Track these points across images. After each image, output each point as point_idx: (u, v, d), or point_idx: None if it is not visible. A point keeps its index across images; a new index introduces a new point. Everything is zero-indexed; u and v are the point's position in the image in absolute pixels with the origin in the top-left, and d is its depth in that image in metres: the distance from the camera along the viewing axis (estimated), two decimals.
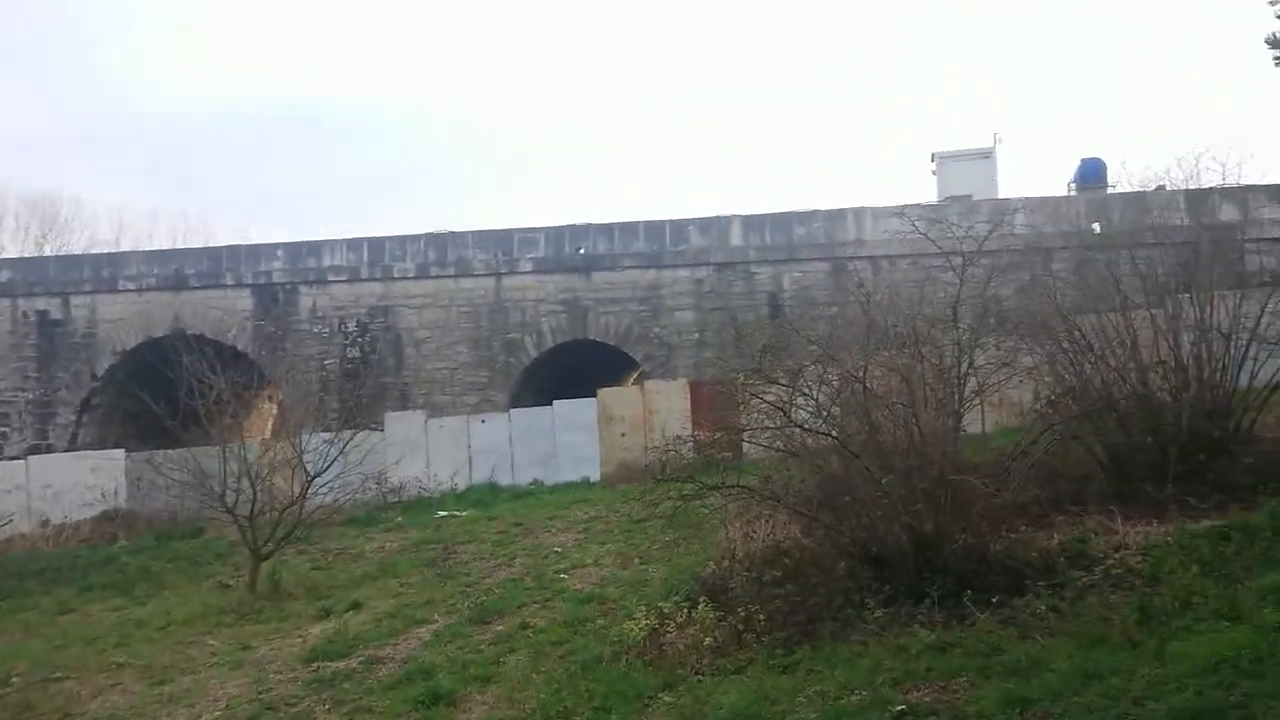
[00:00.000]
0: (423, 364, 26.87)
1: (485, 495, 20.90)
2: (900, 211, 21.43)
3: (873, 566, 8.43)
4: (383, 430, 22.45)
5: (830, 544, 8.97)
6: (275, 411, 35.22)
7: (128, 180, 77.07)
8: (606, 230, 25.91)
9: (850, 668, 6.77)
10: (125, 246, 53.55)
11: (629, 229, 25.76)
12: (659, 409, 21.36)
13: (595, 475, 21.34)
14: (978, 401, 9.52)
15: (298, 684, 9.07)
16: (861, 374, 8.65)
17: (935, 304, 11.63)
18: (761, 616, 7.94)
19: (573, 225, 26.34)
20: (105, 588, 16.18)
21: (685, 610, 8.86)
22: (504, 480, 21.79)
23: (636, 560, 13.17)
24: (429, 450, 22.25)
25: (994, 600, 7.51)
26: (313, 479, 14.27)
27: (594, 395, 23.34)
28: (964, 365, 8.88)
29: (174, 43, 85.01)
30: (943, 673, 6.43)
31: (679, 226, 25.40)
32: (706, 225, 25.35)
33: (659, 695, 7.21)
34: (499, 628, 10.31)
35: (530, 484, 21.45)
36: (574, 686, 7.74)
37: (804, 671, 7.03)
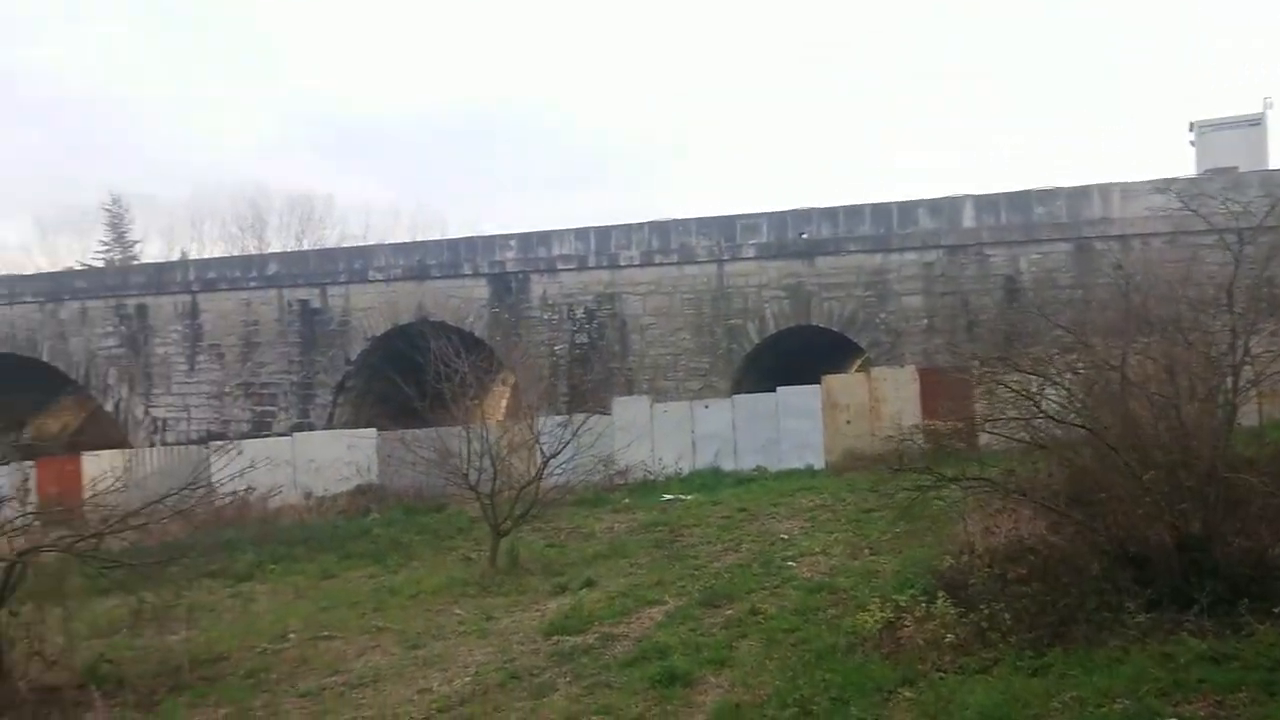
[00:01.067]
0: (647, 350, 27.39)
1: (709, 480, 21.10)
2: (1159, 187, 19.89)
3: (1131, 568, 7.88)
4: (610, 414, 23.08)
5: (1082, 542, 8.45)
6: (508, 394, 37.02)
7: (371, 178, 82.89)
8: (830, 214, 25.45)
9: (1109, 674, 6.36)
10: (371, 240, 57.73)
11: (854, 212, 25.19)
12: (886, 396, 20.84)
13: (819, 463, 21.10)
14: (1254, 393, 8.69)
15: (539, 655, 9.47)
16: (1119, 362, 8.08)
17: (1200, 286, 10.72)
18: (1007, 615, 7.58)
19: (795, 210, 26.04)
20: (361, 556, 17.46)
21: (923, 605, 8.60)
22: (727, 466, 21.91)
23: (866, 550, 12.93)
24: (654, 435, 22.68)
25: (1276, 610, 6.85)
26: (549, 459, 14.83)
27: (817, 382, 23.07)
28: (1239, 353, 8.11)
29: (404, 50, 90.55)
30: (1218, 686, 5.93)
31: (907, 209, 24.60)
32: (936, 207, 24.42)
33: (899, 690, 7.03)
34: (729, 612, 10.37)
35: (753, 470, 21.46)
36: (809, 675, 7.67)
37: (1056, 675, 6.66)
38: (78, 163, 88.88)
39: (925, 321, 24.14)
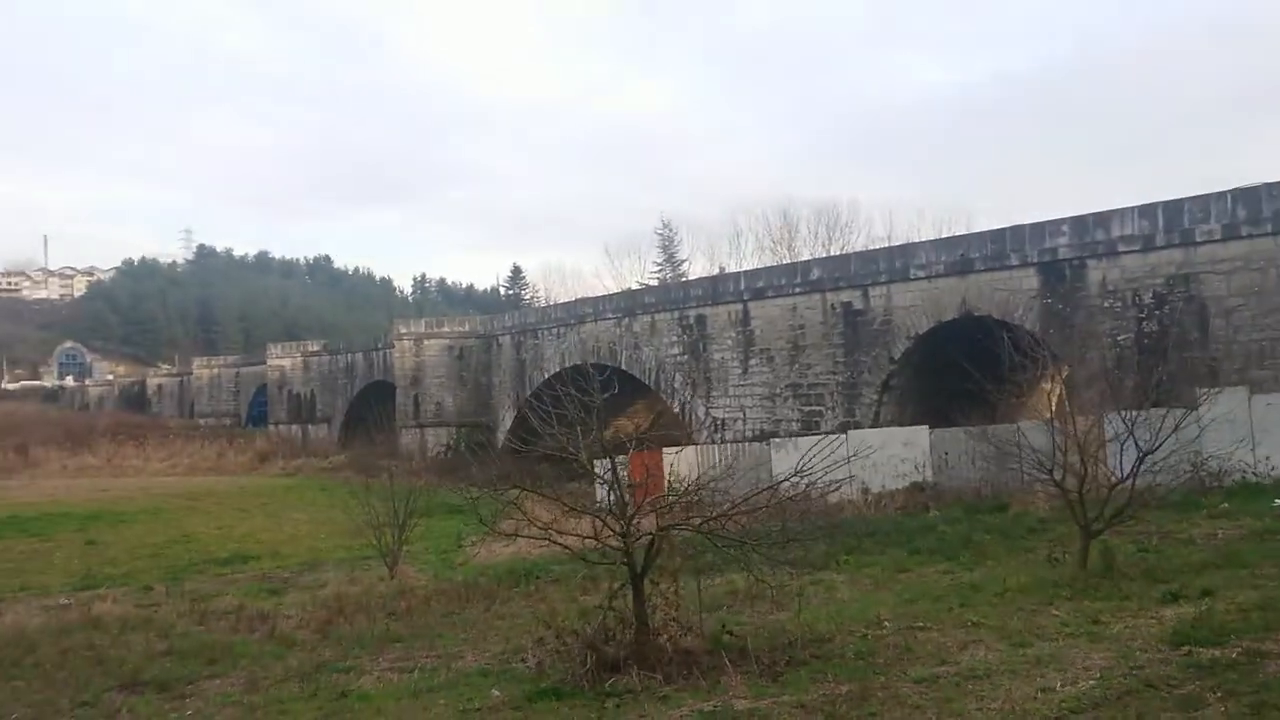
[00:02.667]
0: (1234, 336, 24.04)
1: None
2: None
3: None
4: (1195, 409, 20.57)
5: None
6: (1057, 390, 34.77)
7: (892, 178, 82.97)
8: None
9: None
10: (896, 240, 57.88)
11: None
12: None
13: None
14: None
15: (1170, 665, 8.59)
16: None
17: None
18: None
19: None
20: (930, 553, 17.39)
21: None
22: None
23: None
24: (1255, 431, 19.79)
25: None
26: (1144, 455, 13.52)
27: None
28: None
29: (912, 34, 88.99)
30: None
31: None
32: None
33: None
34: None
35: None
36: None
37: None
38: (636, 193, 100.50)
39: None
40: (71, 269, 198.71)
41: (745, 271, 41.30)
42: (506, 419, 52.35)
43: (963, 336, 31.13)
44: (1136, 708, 7.53)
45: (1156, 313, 25.63)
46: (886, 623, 11.66)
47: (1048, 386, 34.59)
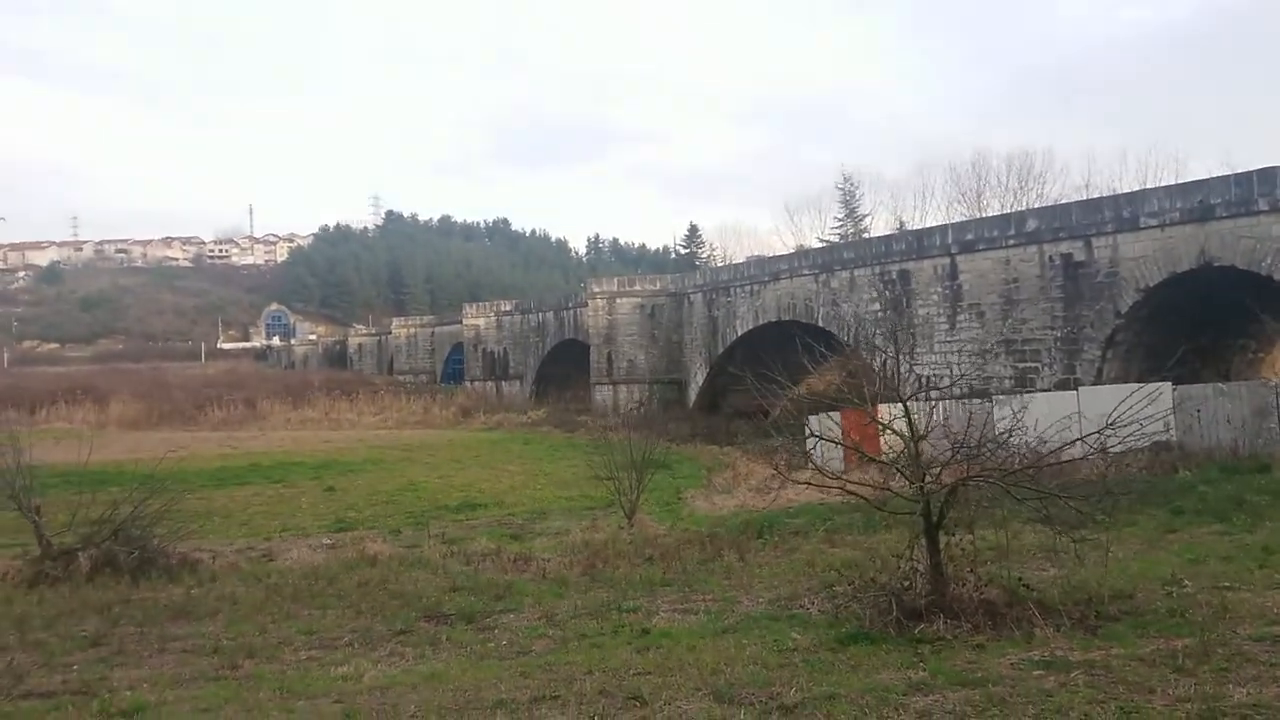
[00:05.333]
0: None
1: None
2: None
3: None
4: None
5: None
6: None
7: (1094, 122, 78.29)
8: None
9: None
10: (1098, 192, 54.79)
11: None
12: None
13: None
14: None
15: None
16: None
17: None
18: None
19: None
20: (1196, 513, 16.66)
21: None
22: None
23: None
24: None
25: None
26: None
27: None
28: None
29: None
30: None
31: None
32: None
33: None
34: None
35: None
36: None
37: None
38: (814, 148, 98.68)
39: None
40: (274, 235, 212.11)
41: (952, 224, 40.02)
42: (699, 376, 52.84)
43: (1199, 288, 29.36)
44: None
45: None
46: (1186, 582, 11.28)
47: None
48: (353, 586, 14.91)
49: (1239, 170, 29.04)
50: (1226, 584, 11.05)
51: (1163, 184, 42.77)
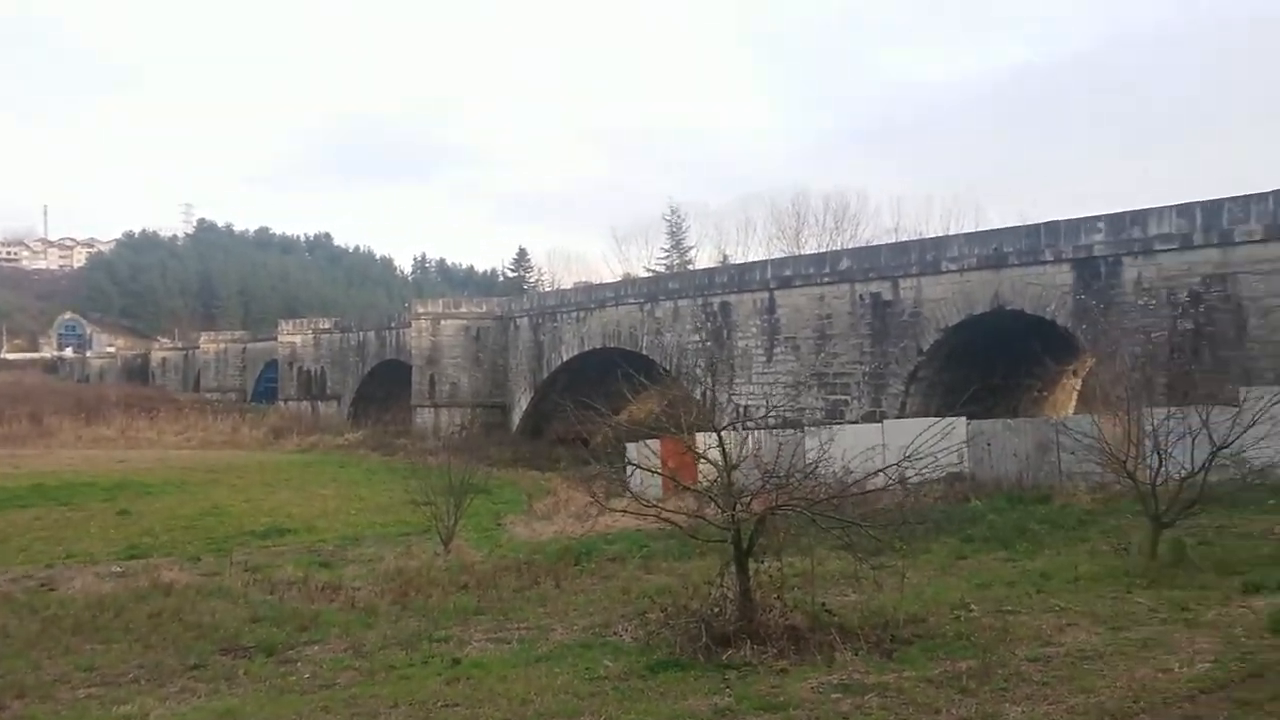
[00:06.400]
0: (1271, 336, 24.39)
1: None
2: None
3: None
4: (1236, 406, 20.91)
5: None
6: (1079, 385, 35.19)
7: (905, 170, 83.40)
8: None
9: None
10: (905, 235, 58.18)
11: None
12: None
13: None
14: None
15: (1278, 652, 8.93)
16: None
17: None
18: None
19: None
20: (984, 540, 17.76)
21: None
22: None
23: None
24: None
25: None
26: (1218, 449, 13.87)
27: None
28: None
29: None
30: None
31: None
32: None
33: None
34: None
35: None
36: None
37: None
38: (645, 178, 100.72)
39: None
40: (71, 240, 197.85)
41: (772, 260, 41.58)
42: (522, 401, 52.61)
43: (992, 330, 31.52)
44: (1268, 689, 7.86)
45: (1192, 311, 25.96)
46: (973, 606, 11.99)
47: (1071, 382, 35.08)
48: (143, 618, 14.00)
49: (1029, 222, 31.50)
50: (1009, 608, 11.81)
51: (964, 230, 45.84)
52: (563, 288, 72.16)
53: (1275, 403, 15.84)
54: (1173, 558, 13.50)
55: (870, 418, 32.54)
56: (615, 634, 11.89)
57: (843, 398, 35.10)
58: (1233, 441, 14.24)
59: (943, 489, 24.24)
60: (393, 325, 62.08)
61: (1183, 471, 14.46)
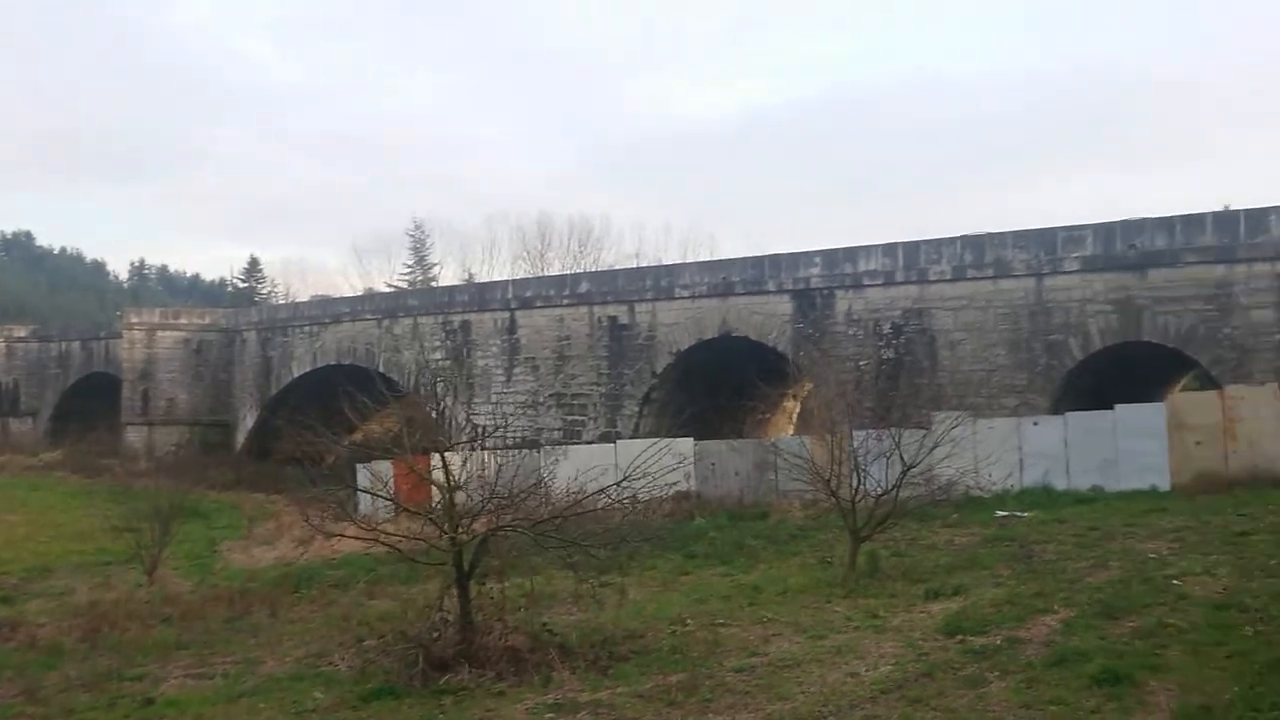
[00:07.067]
0: (958, 366, 27.10)
1: (1041, 499, 20.68)
2: None
3: None
4: (929, 429, 23.05)
5: None
6: (798, 409, 37.57)
7: (648, 198, 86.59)
8: (1166, 224, 24.25)
9: None
10: (645, 260, 60.26)
11: (1193, 221, 23.88)
12: (1243, 416, 19.65)
13: (1164, 484, 20.17)
14: None
15: (950, 651, 9.87)
16: None
17: None
18: None
19: (1125, 220, 25.07)
20: (706, 557, 18.52)
21: None
22: (1058, 485, 21.39)
23: (1260, 573, 12.40)
24: (977, 451, 22.42)
25: None
26: (909, 468, 15.21)
27: (1144, 400, 22.36)
28: None
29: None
30: None
31: (1256, 216, 23.05)
32: None
33: None
34: (1132, 624, 10.34)
35: (1089, 490, 20.82)
36: (1270, 683, 7.65)
37: None
38: (388, 192, 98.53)
39: (1278, 337, 22.48)
40: None
41: (514, 280, 41.69)
42: (249, 419, 49.63)
43: (721, 355, 33.11)
44: (934, 687, 8.66)
45: (894, 342, 28.42)
46: (689, 620, 12.47)
47: (790, 405, 37.39)
48: None
49: (755, 254, 33.37)
50: (721, 621, 12.37)
51: (698, 259, 47.91)
52: (298, 300, 68.94)
53: (955, 426, 17.59)
54: (869, 568, 14.64)
55: (606, 438, 33.18)
56: (330, 664, 11.43)
57: (580, 418, 35.63)
58: (921, 461, 15.65)
59: (670, 507, 25.15)
60: (102, 335, 56.90)
61: (879, 489, 15.78)
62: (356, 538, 11.88)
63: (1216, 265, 23.31)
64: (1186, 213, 24.16)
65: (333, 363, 45.20)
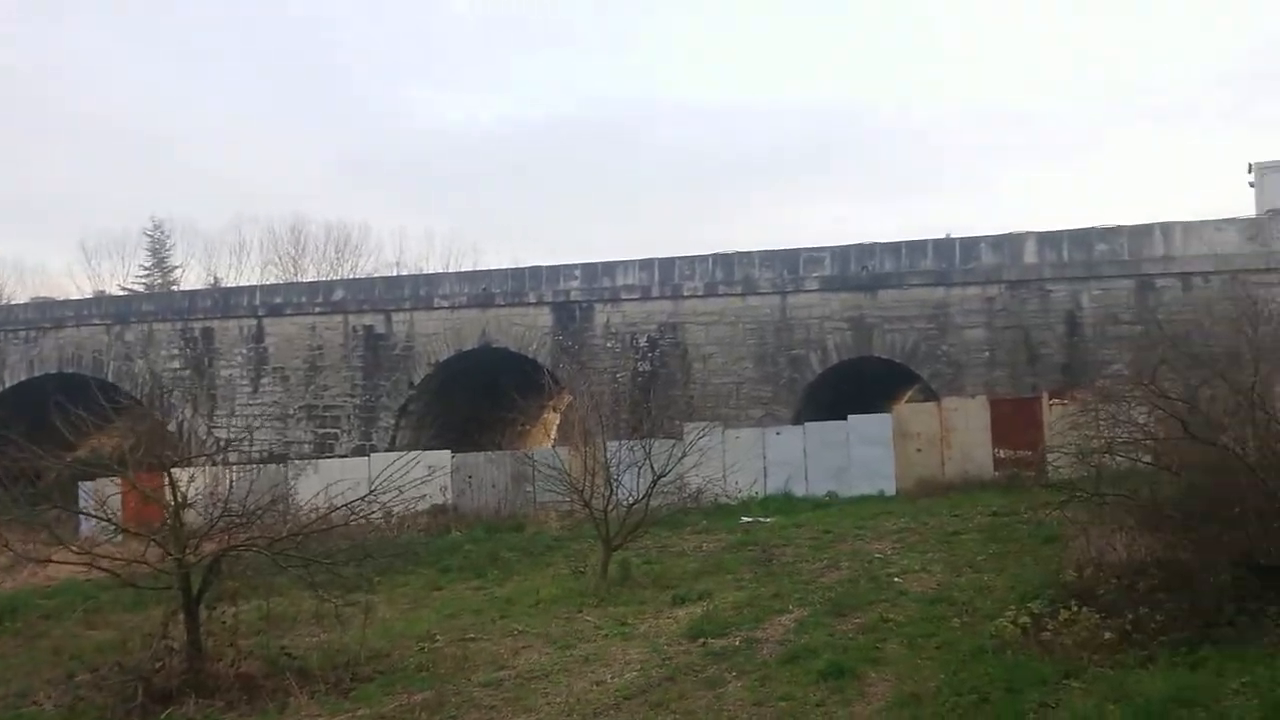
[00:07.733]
0: (709, 378, 28.19)
1: (783, 504, 21.82)
2: (1219, 226, 20.84)
3: (1263, 577, 8.61)
4: (681, 439, 23.82)
5: (1206, 555, 9.15)
6: (559, 420, 37.83)
7: (405, 205, 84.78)
8: (894, 249, 26.29)
9: (1272, 666, 7.08)
10: (406, 269, 58.97)
11: (917, 247, 26.04)
12: (957, 426, 21.56)
13: (890, 489, 21.80)
14: None
15: (692, 654, 10.20)
16: (1252, 390, 8.85)
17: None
18: (1159, 617, 8.30)
19: (859, 244, 26.90)
20: (460, 570, 18.23)
21: (1058, 612, 9.32)
22: (798, 491, 22.64)
23: (968, 568, 13.61)
24: (725, 460, 23.38)
25: None
26: (659, 477, 15.61)
27: (876, 411, 24.03)
28: None
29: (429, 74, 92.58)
30: None
31: (969, 244, 25.44)
32: (998, 243, 25.26)
33: (1065, 681, 7.75)
34: (857, 620, 11.08)
35: (825, 495, 22.19)
36: (970, 670, 8.40)
37: (1214, 668, 7.39)
38: (121, 188, 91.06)
39: (987, 354, 24.88)
40: None
41: (262, 286, 39.57)
42: None
43: (480, 366, 32.82)
44: (676, 690, 8.92)
45: (650, 355, 29.20)
46: (438, 636, 12.24)
47: (551, 417, 37.59)
48: None
49: (517, 265, 33.38)
50: (472, 635, 12.21)
51: (462, 269, 47.24)
52: (13, 303, 62.36)
53: (704, 435, 18.25)
54: (621, 576, 14.91)
55: (360, 451, 32.08)
56: (35, 704, 10.35)
57: (333, 431, 34.28)
58: (670, 470, 16.13)
59: (426, 520, 24.63)
60: None
61: (631, 498, 16.13)
62: (68, 563, 10.84)
63: (936, 288, 25.53)
64: (911, 239, 26.34)
65: (54, 371, 41.19)
